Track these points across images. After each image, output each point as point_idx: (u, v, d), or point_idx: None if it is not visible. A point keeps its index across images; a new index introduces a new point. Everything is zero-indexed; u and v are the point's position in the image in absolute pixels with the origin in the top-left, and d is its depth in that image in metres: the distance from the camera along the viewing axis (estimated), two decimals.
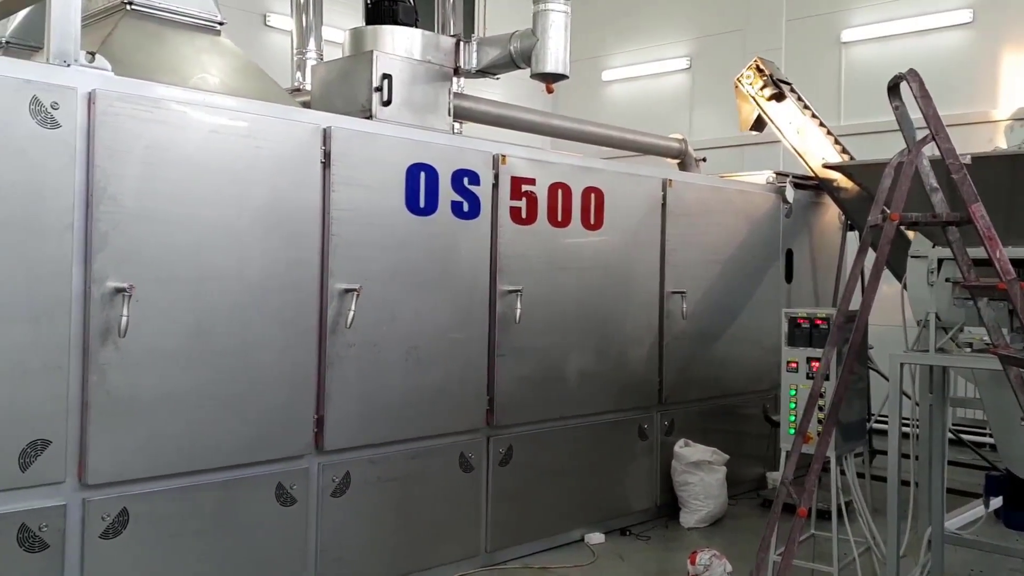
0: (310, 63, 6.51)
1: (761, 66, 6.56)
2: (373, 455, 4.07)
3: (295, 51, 6.83)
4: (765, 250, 6.34)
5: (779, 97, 6.49)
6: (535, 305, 4.70)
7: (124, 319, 3.20)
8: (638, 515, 5.45)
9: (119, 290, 3.22)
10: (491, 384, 4.55)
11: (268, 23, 9.29)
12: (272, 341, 3.71)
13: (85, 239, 3.19)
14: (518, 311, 4.57)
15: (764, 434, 6.28)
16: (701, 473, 5.44)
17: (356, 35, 4.77)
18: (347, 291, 3.91)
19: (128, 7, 4.05)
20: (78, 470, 3.17)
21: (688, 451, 5.52)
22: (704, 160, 6.75)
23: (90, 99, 3.20)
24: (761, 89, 6.54)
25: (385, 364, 4.09)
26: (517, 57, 4.72)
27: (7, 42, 4.66)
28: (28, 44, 4.52)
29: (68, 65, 3.21)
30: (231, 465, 3.59)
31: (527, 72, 4.82)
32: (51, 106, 3.10)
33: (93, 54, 3.30)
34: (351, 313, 3.88)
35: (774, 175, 6.54)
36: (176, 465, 3.42)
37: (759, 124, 6.81)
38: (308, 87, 6.21)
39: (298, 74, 6.74)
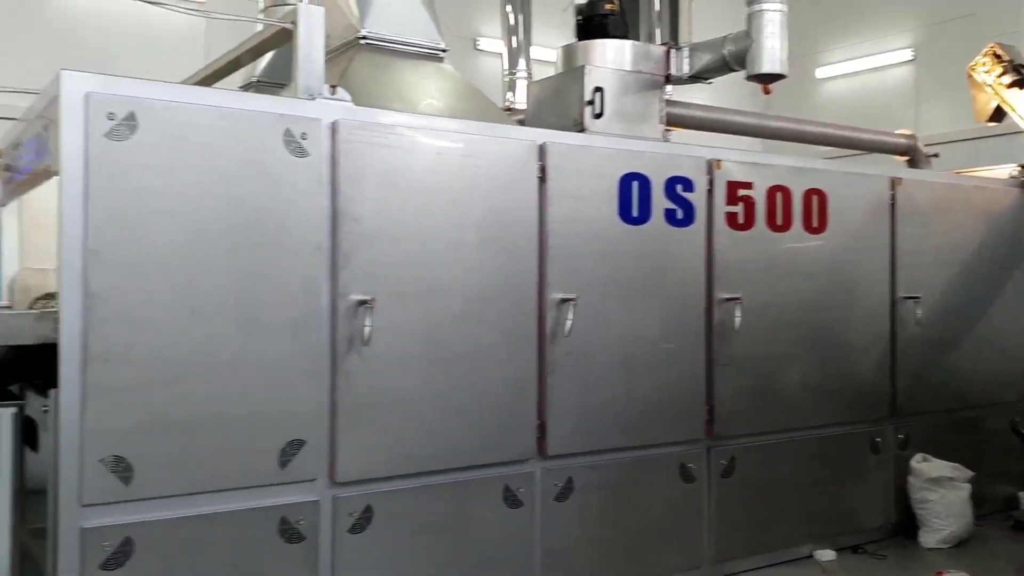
0: (520, 82, 6.74)
1: (999, 52, 6.04)
2: (593, 462, 4.14)
3: (506, 72, 7.09)
4: (1009, 250, 5.81)
5: (1021, 84, 5.94)
6: (755, 313, 4.58)
7: (367, 329, 3.47)
8: (871, 533, 5.15)
9: (361, 303, 3.50)
10: (710, 394, 4.49)
11: (478, 47, 9.71)
12: (495, 349, 3.88)
13: (331, 257, 3.49)
14: (737, 319, 4.48)
15: (1013, 449, 5.73)
16: (942, 490, 5.07)
17: (568, 51, 4.89)
18: (564, 301, 4.01)
19: (362, 41, 4.40)
20: (329, 469, 3.46)
21: (927, 466, 5.15)
22: (936, 156, 6.30)
23: (333, 129, 3.50)
24: (1000, 76, 6.02)
25: (600, 372, 4.14)
26: (731, 60, 4.64)
27: (257, 81, 5.19)
28: (274, 82, 5.01)
29: (313, 98, 3.54)
30: (461, 467, 3.78)
31: (738, 74, 4.74)
32: (300, 136, 3.43)
33: (335, 87, 3.61)
34: (568, 322, 3.98)
35: (1019, 168, 6.00)
36: (413, 465, 3.65)
37: (998, 115, 6.26)
38: (518, 105, 6.42)
39: (509, 94, 6.99)
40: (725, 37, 4.67)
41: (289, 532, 3.36)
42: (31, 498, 3.50)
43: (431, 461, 3.70)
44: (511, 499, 3.89)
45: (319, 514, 3.43)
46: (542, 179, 4.01)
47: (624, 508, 4.23)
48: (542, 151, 4.02)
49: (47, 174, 3.39)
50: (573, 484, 4.07)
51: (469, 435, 3.80)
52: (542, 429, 3.98)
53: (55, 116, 3.09)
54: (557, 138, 4.13)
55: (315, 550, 3.41)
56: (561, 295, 4.02)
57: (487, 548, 3.85)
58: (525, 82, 6.61)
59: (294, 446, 3.38)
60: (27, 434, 3.44)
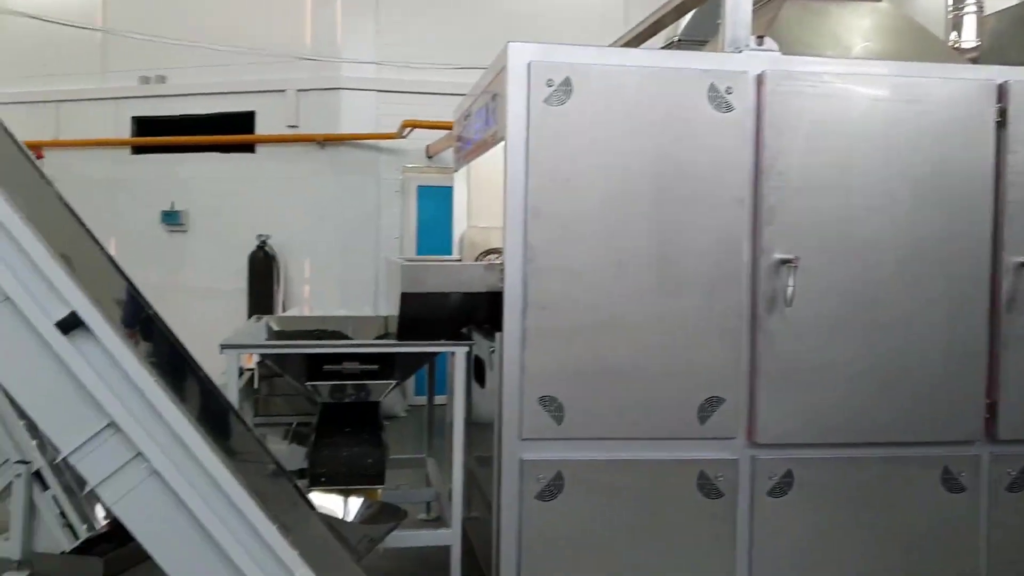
0: (968, 18, 5.94)
1: None
2: None
3: (950, 7, 6.29)
4: None
5: None
6: None
7: (790, 289, 3.33)
8: None
9: (784, 261, 3.36)
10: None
11: None
12: (931, 316, 3.49)
13: (753, 213, 3.40)
14: None
15: None
16: None
17: None
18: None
19: None
20: (747, 429, 3.41)
21: None
22: None
23: (759, 81, 3.38)
24: None
25: None
26: None
27: (679, 40, 5.22)
28: (695, 39, 4.99)
29: (740, 51, 3.45)
30: (890, 442, 3.49)
31: None
32: (725, 91, 3.37)
33: (761, 38, 3.48)
34: None
35: None
36: (836, 435, 3.45)
37: None
38: (965, 45, 5.68)
39: (953, 33, 6.20)
40: None
41: (707, 487, 3.38)
42: (474, 429, 3.95)
43: (856, 433, 3.46)
44: (951, 483, 3.50)
45: (737, 473, 3.40)
46: (1000, 124, 3.49)
47: None
48: (1001, 92, 3.49)
49: (493, 141, 3.74)
50: None
51: (900, 409, 3.48)
52: (991, 409, 3.51)
53: (502, 86, 3.39)
54: (1022, 76, 3.56)
55: (733, 508, 3.40)
56: (1021, 258, 3.50)
57: (918, 532, 3.51)
58: (974, 16, 5.81)
59: (712, 403, 3.38)
60: (476, 372, 3.88)
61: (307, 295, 8.41)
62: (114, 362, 2.47)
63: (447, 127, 7.31)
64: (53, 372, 2.43)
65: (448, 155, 7.93)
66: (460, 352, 3.57)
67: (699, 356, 3.39)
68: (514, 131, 3.31)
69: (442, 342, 3.61)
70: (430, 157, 8.21)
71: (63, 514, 3.90)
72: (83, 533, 3.89)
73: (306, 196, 8.37)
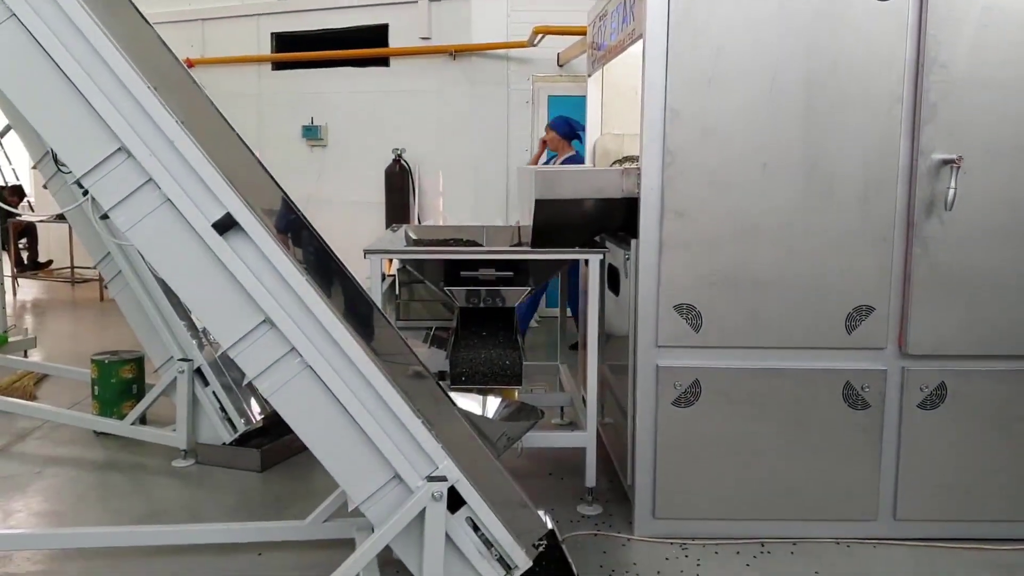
0: None
1: None
2: None
3: None
4: None
5: None
6: None
7: (951, 192, 3.11)
8: None
9: (946, 162, 3.14)
10: None
11: None
12: None
13: (913, 111, 3.17)
14: None
15: None
16: None
17: None
18: None
19: None
20: (898, 339, 3.26)
21: None
22: None
23: None
24: None
25: None
26: None
27: None
28: None
29: None
30: None
31: None
32: None
33: None
34: None
35: None
36: (995, 347, 3.25)
37: None
38: None
39: None
40: None
41: (853, 398, 3.27)
42: (607, 337, 3.94)
43: (1017, 345, 3.25)
44: None
45: (886, 384, 3.27)
46: None
47: None
48: None
49: (630, 40, 3.61)
50: None
51: None
52: None
53: None
54: None
55: (879, 420, 3.28)
56: None
57: None
58: None
59: (861, 312, 3.24)
60: (610, 280, 3.86)
61: (441, 206, 8.54)
62: (267, 261, 2.58)
63: (579, 32, 7.13)
64: (212, 271, 2.57)
65: (579, 64, 7.76)
66: (594, 259, 3.54)
67: (848, 263, 3.24)
68: (653, 27, 3.19)
69: (576, 249, 3.59)
70: (561, 65, 8.05)
71: (223, 409, 4.19)
72: (241, 426, 4.17)
73: (439, 109, 8.42)
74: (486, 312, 3.68)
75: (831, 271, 3.24)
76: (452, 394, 3.11)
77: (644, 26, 3.21)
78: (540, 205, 3.44)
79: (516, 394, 3.51)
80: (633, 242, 3.35)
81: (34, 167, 4.65)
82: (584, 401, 3.81)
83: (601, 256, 3.56)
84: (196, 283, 2.60)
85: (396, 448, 2.59)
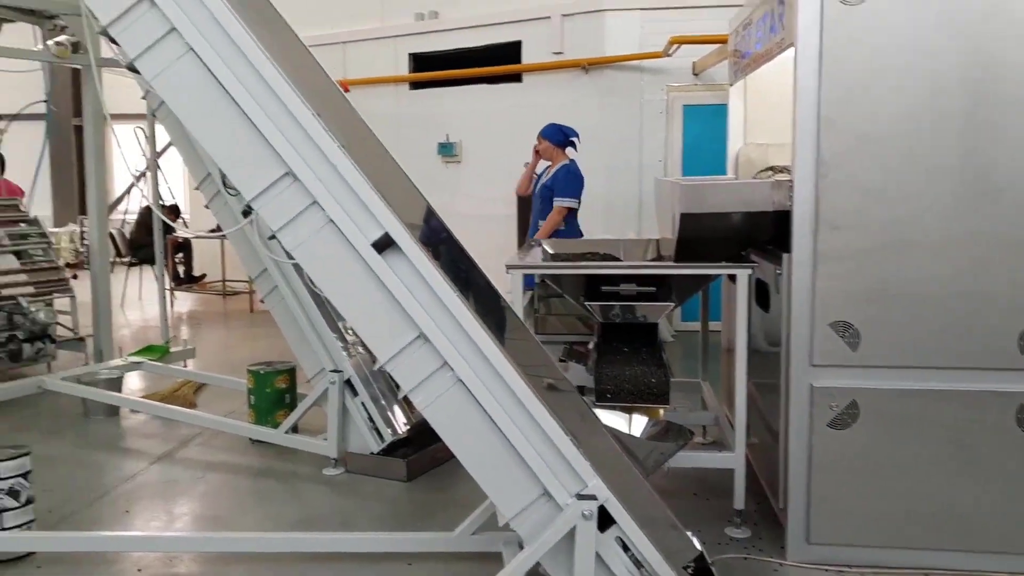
0: None
1: None
2: None
3: None
4: None
5: None
6: None
7: None
8: None
9: None
10: None
11: None
12: None
13: None
14: None
15: None
16: None
17: None
18: None
19: None
20: None
21: None
22: None
23: None
24: None
25: None
26: None
27: None
28: None
29: None
30: None
31: None
32: None
33: None
34: None
35: None
36: None
37: None
38: None
39: None
40: None
41: None
42: (754, 354, 3.83)
43: None
44: None
45: None
46: None
47: None
48: None
49: (779, 48, 3.51)
50: None
51: None
52: None
53: None
54: None
55: None
56: None
57: None
58: None
59: None
60: (757, 295, 3.75)
61: None
62: (422, 279, 2.65)
63: (717, 41, 7.01)
64: (370, 289, 2.66)
65: (715, 71, 7.63)
66: (742, 275, 3.46)
67: (1018, 277, 3.03)
68: (806, 35, 3.09)
69: (723, 264, 3.51)
70: (696, 74, 7.94)
71: (371, 419, 4.33)
72: (388, 437, 4.29)
73: (571, 122, 8.43)
74: (628, 328, 3.64)
75: (999, 286, 3.05)
76: (596, 411, 3.09)
77: (795, 34, 3.12)
78: (685, 219, 3.38)
79: (661, 412, 3.45)
80: (785, 257, 3.25)
81: (196, 188, 4.94)
82: (730, 420, 3.71)
83: (749, 271, 3.47)
84: (355, 300, 2.70)
85: (545, 465, 2.60)
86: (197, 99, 2.62)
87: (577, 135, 6.30)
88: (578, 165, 6.21)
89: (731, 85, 4.86)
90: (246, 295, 10.07)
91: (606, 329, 3.68)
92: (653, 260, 4.20)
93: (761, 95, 4.63)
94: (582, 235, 6.16)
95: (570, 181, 6.06)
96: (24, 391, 5.49)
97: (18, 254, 6.31)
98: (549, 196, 6.01)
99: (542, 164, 6.41)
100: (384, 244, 2.64)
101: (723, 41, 6.70)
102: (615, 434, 2.83)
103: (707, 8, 7.55)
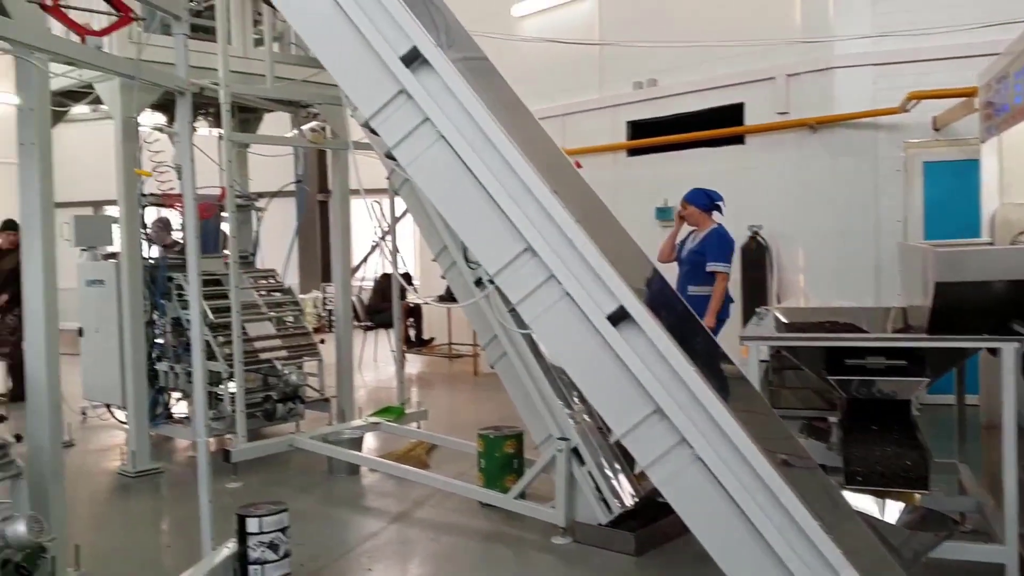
0: None
1: None
2: None
3: None
4: None
5: None
6: None
7: None
8: None
9: None
10: None
11: None
12: None
13: None
14: None
15: None
16: None
17: None
18: None
19: None
20: None
21: None
22: None
23: None
24: None
25: None
26: None
27: None
28: None
29: None
30: None
31: None
32: None
33: None
34: None
35: None
36: None
37: None
38: None
39: None
40: None
41: None
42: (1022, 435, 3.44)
43: None
44: None
45: None
46: None
47: None
48: None
49: None
50: None
51: None
52: None
53: None
54: None
55: None
56: None
57: None
58: None
59: None
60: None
61: (802, 284, 8.19)
62: (657, 352, 2.63)
63: (960, 94, 6.55)
64: (605, 361, 2.67)
65: (959, 126, 7.11)
66: (1008, 348, 3.15)
67: None
68: None
69: (984, 337, 3.22)
70: (937, 129, 7.43)
71: (598, 488, 4.31)
72: (616, 508, 4.25)
73: (798, 183, 8.15)
74: (877, 404, 3.41)
75: None
76: (845, 493, 2.90)
77: None
78: (941, 288, 3.14)
79: (917, 497, 3.17)
80: None
81: (433, 259, 5.23)
82: (996, 508, 3.35)
83: (1016, 344, 3.16)
84: (590, 372, 2.73)
85: (792, 551, 2.46)
86: (446, 182, 2.79)
87: (722, 199, 6.08)
88: (726, 229, 5.99)
89: (983, 141, 4.51)
90: (470, 358, 10.44)
91: (853, 405, 3.47)
92: (901, 331, 3.92)
93: (1020, 152, 4.25)
94: (732, 300, 5.89)
95: (723, 246, 5.84)
96: (277, 449, 5.96)
97: (274, 319, 6.95)
98: (699, 261, 5.80)
99: (685, 229, 6.22)
100: (619, 317, 2.66)
101: (968, 94, 6.26)
102: (868, 520, 2.64)
103: (945, 60, 7.09)
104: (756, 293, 8.14)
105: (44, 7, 3.13)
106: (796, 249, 8.24)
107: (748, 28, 8.30)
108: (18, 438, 3.41)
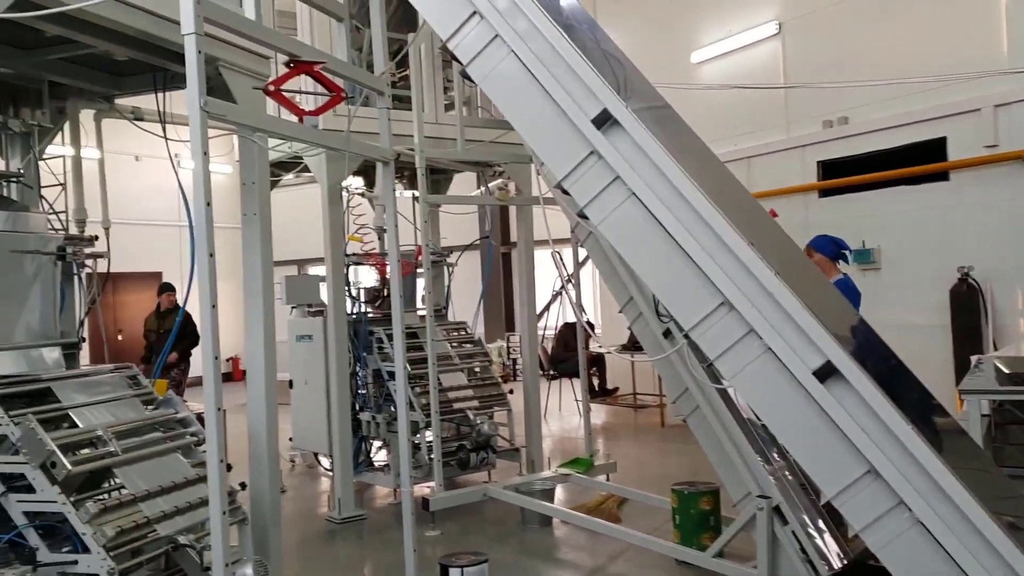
0: None
1: None
2: None
3: None
4: None
5: None
6: None
7: None
8: None
9: None
10: None
11: None
12: None
13: None
14: None
15: None
16: None
17: None
18: None
19: None
20: None
21: None
22: None
23: None
24: None
25: None
26: None
27: None
28: None
29: None
30: None
31: None
32: None
33: None
34: None
35: None
36: None
37: None
38: None
39: None
40: None
41: None
42: None
43: None
44: None
45: None
46: None
47: None
48: None
49: None
50: None
51: None
52: None
53: None
54: None
55: None
56: None
57: None
58: None
59: None
60: None
61: (1022, 329, 7.52)
62: (869, 408, 2.50)
63: None
64: (812, 417, 2.57)
65: None
66: None
67: None
68: None
69: None
70: None
71: (802, 549, 4.11)
72: (823, 572, 4.03)
73: (1011, 219, 7.53)
74: None
75: None
76: None
77: None
78: None
79: None
80: None
81: (620, 311, 5.23)
82: None
83: None
84: (796, 429, 2.63)
85: None
86: (638, 238, 2.81)
87: (849, 248, 5.62)
88: (852, 280, 5.51)
89: None
90: (656, 408, 10.29)
91: None
92: None
93: None
94: None
95: (849, 296, 5.35)
96: (472, 498, 6.10)
97: (465, 370, 7.17)
98: None
99: None
100: (827, 372, 2.56)
101: None
102: None
103: None
104: (970, 340, 7.55)
105: (267, 92, 3.45)
106: (1013, 291, 7.59)
107: (946, 60, 7.83)
108: (243, 486, 3.70)
